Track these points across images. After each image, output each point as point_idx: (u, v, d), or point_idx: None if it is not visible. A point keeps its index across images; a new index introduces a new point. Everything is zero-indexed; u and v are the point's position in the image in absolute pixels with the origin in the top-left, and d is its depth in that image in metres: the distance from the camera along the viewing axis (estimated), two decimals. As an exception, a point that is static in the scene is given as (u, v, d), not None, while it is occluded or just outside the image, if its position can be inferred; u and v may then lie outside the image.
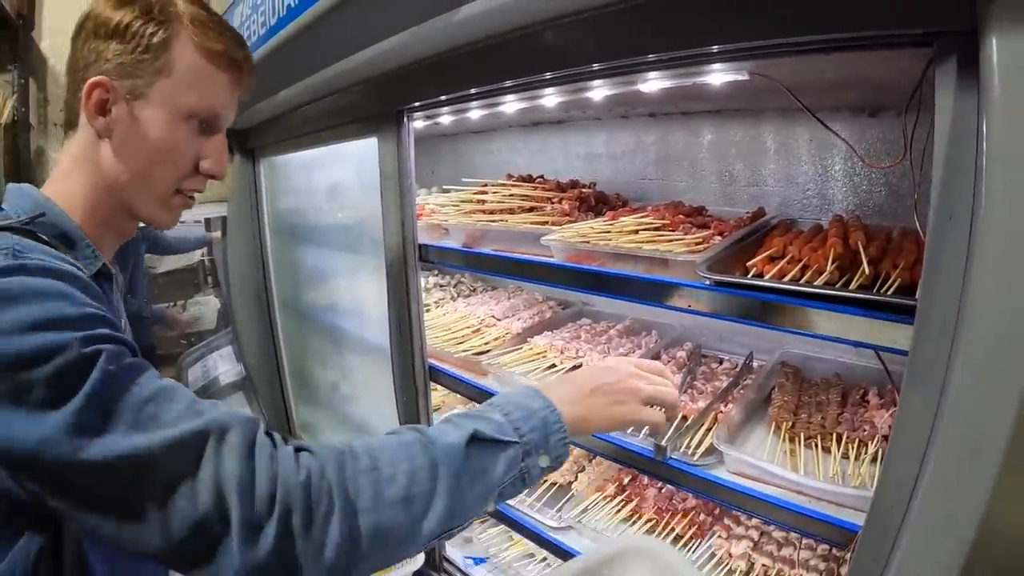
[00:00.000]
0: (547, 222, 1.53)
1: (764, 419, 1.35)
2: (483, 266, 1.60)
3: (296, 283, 2.65)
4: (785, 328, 1.01)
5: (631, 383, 0.85)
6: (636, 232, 1.33)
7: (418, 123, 1.75)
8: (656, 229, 1.33)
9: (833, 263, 1.08)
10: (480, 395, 1.62)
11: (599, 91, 1.30)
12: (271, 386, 2.98)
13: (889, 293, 0.96)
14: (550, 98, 1.40)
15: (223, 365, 3.37)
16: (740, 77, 1.05)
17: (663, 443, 1.19)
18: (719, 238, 1.29)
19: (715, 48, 0.91)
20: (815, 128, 1.47)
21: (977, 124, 0.66)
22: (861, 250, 1.09)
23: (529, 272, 1.43)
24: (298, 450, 0.66)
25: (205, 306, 3.92)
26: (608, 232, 1.34)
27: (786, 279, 1.07)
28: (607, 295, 1.30)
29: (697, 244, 1.26)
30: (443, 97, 1.45)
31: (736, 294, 1.06)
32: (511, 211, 1.61)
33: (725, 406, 1.36)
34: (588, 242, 1.33)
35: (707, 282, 1.08)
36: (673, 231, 1.31)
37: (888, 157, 1.35)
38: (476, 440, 0.73)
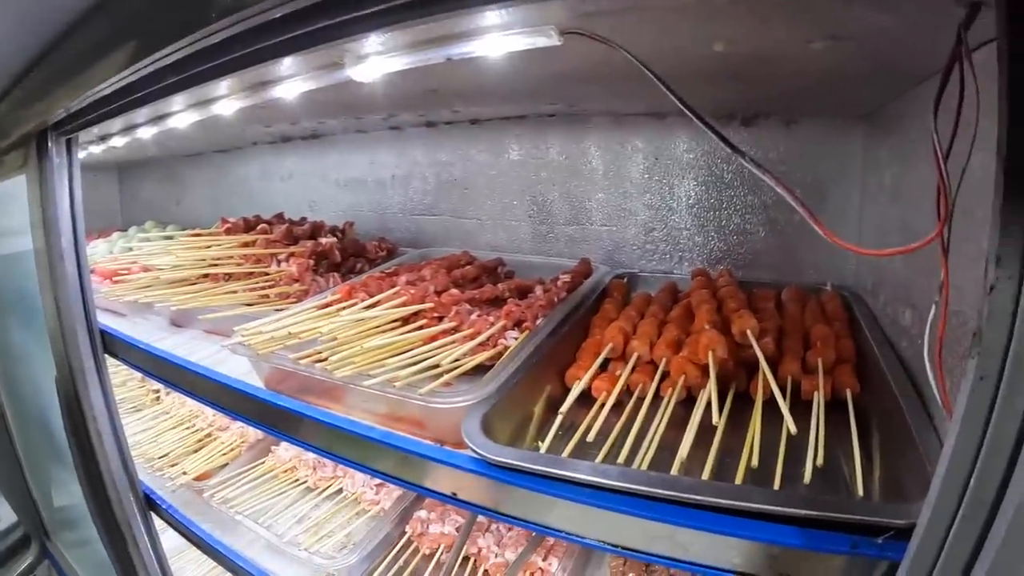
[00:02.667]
0: (268, 291, 0.94)
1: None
2: (170, 378, 0.91)
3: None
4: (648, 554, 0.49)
5: None
6: (379, 327, 0.77)
7: (96, 148, 1.11)
8: (413, 316, 0.78)
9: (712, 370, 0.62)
10: (204, 544, 1.01)
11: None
12: (8, 464, 2.16)
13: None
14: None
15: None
16: (544, 41, 0.48)
17: None
18: (515, 333, 0.74)
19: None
20: (666, 137, 1.01)
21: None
22: (755, 347, 0.64)
23: (221, 398, 0.80)
24: None
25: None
26: (330, 333, 0.75)
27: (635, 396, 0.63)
28: (331, 457, 0.68)
29: (469, 349, 0.71)
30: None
31: (538, 491, 0.51)
32: (228, 276, 1.00)
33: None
34: (301, 359, 0.71)
35: (478, 458, 0.54)
36: (443, 318, 0.77)
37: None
38: None
